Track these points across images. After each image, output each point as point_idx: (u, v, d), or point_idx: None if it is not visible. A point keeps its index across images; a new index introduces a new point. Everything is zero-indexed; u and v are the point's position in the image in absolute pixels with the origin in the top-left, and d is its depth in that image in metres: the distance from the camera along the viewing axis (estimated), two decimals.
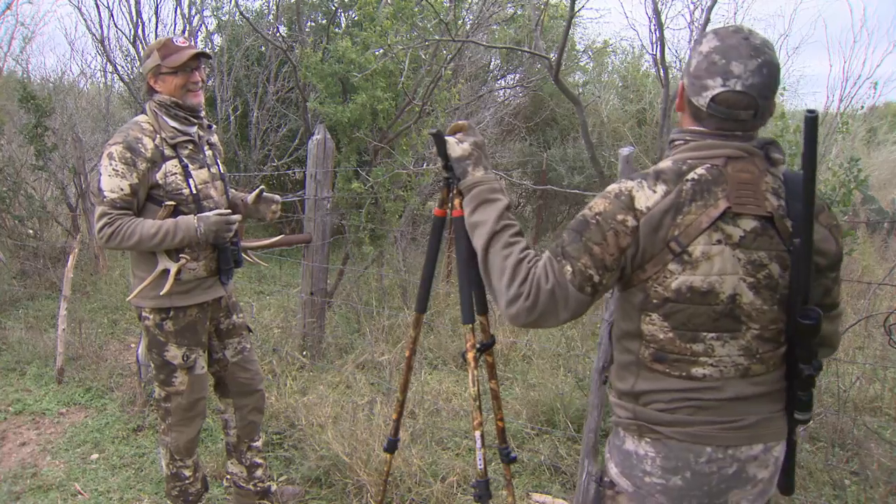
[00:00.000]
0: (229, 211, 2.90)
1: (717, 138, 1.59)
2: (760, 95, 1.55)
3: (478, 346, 2.22)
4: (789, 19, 36.38)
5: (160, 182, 2.78)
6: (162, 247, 2.75)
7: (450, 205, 2.12)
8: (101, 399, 4.68)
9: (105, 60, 8.72)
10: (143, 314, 2.90)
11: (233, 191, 3.15)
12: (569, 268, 1.58)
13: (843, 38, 21.48)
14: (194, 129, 2.90)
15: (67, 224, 7.98)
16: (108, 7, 8.41)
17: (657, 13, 4.48)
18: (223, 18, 9.45)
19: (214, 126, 3.04)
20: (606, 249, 1.56)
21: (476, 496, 2.21)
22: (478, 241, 1.73)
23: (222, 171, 3.05)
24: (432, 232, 2.26)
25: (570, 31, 4.90)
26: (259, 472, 3.32)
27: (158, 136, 2.79)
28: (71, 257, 5.23)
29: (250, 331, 3.29)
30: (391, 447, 2.64)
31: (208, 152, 2.98)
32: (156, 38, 8.54)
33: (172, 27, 9.06)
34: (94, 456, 3.95)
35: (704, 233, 1.53)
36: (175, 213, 2.80)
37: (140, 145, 2.74)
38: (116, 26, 8.69)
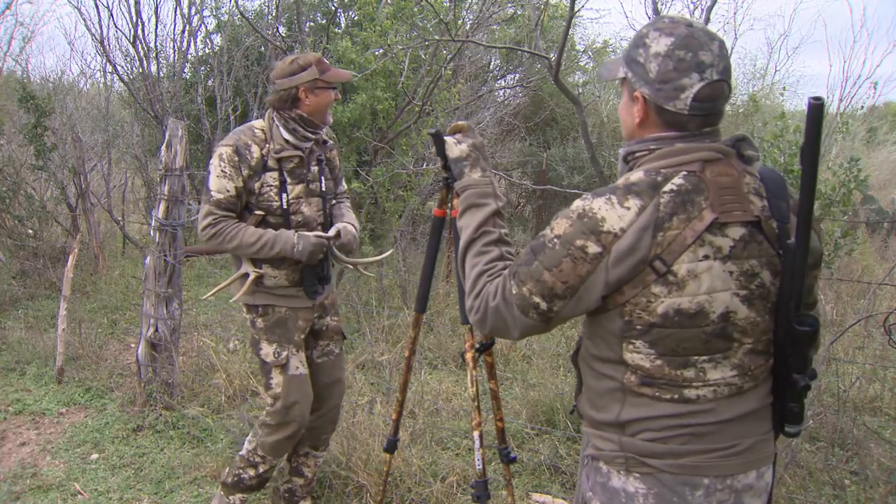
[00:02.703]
0: (327, 235, 2.92)
1: (688, 141, 1.46)
2: (728, 78, 1.46)
3: (477, 346, 2.22)
4: (789, 19, 36.37)
5: (255, 191, 2.84)
6: (259, 255, 2.82)
7: (449, 205, 2.12)
8: (100, 399, 4.68)
9: (105, 60, 8.69)
10: (244, 312, 3.04)
11: (344, 209, 3.16)
12: (515, 290, 1.48)
13: (842, 37, 21.46)
14: (308, 145, 2.92)
15: (67, 224, 7.98)
16: (108, 7, 8.40)
17: (657, 13, 4.48)
18: (223, 18, 9.45)
19: (332, 142, 3.08)
20: (559, 277, 1.43)
21: (475, 496, 2.21)
22: (460, 244, 1.70)
23: (325, 188, 3.02)
24: (431, 232, 2.26)
25: (570, 31, 4.90)
26: (298, 480, 3.24)
27: (267, 145, 2.84)
28: (71, 257, 5.23)
29: (345, 337, 3.24)
30: (391, 447, 2.65)
31: (314, 168, 2.97)
32: (155, 39, 8.59)
33: (172, 27, 9.07)
34: (94, 456, 3.95)
35: (689, 249, 1.39)
36: (262, 222, 2.87)
37: (248, 152, 2.81)
38: (116, 26, 8.68)
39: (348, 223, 3.04)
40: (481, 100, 8.64)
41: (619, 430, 1.53)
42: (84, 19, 10.39)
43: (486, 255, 1.61)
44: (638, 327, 1.45)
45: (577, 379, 1.70)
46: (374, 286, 6.43)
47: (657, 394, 1.48)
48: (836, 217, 4.12)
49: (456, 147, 1.84)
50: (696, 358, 1.46)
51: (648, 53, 1.47)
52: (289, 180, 2.88)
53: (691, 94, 1.43)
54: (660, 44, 1.45)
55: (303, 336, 3.02)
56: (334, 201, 3.15)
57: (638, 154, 1.52)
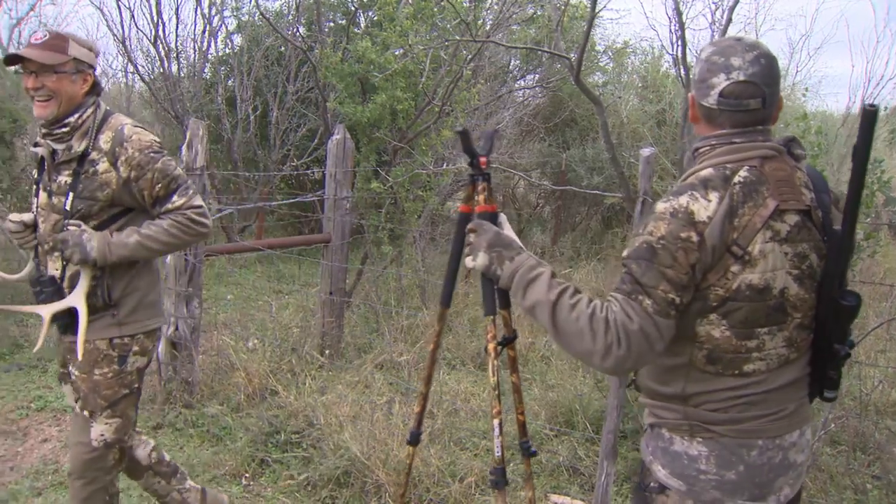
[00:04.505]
0: (19, 225, 2.44)
1: (745, 140, 1.66)
2: (763, 83, 1.63)
3: (500, 339, 2.20)
4: (811, 19, 36.26)
5: None
6: None
7: (475, 201, 2.11)
8: None
9: (126, 61, 8.81)
10: None
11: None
12: (648, 301, 1.57)
13: (865, 37, 21.14)
14: (59, 146, 2.35)
15: None
16: (130, 8, 8.47)
17: (678, 13, 4.45)
18: (243, 18, 9.51)
19: (93, 150, 2.34)
20: (679, 270, 1.57)
21: (493, 483, 2.21)
22: (543, 320, 1.68)
23: (69, 207, 2.34)
24: (457, 228, 2.25)
25: (591, 32, 4.89)
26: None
27: None
28: None
29: (86, 410, 2.57)
30: (414, 440, 2.62)
31: (64, 179, 2.35)
32: (176, 39, 8.64)
33: (193, 27, 9.14)
34: None
35: (759, 232, 1.59)
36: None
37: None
38: (137, 27, 8.78)
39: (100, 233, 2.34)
40: (501, 100, 8.64)
41: (682, 401, 1.72)
42: (106, 20, 10.53)
43: (580, 303, 1.63)
44: (714, 304, 1.62)
45: None
46: (393, 286, 6.44)
47: (720, 370, 1.67)
48: (859, 219, 4.08)
49: (476, 262, 1.84)
50: (759, 330, 1.64)
51: (698, 60, 1.74)
52: (40, 185, 2.39)
53: (718, 90, 1.65)
54: (706, 52, 1.71)
55: (63, 370, 2.69)
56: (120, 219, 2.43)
57: (702, 149, 1.72)
